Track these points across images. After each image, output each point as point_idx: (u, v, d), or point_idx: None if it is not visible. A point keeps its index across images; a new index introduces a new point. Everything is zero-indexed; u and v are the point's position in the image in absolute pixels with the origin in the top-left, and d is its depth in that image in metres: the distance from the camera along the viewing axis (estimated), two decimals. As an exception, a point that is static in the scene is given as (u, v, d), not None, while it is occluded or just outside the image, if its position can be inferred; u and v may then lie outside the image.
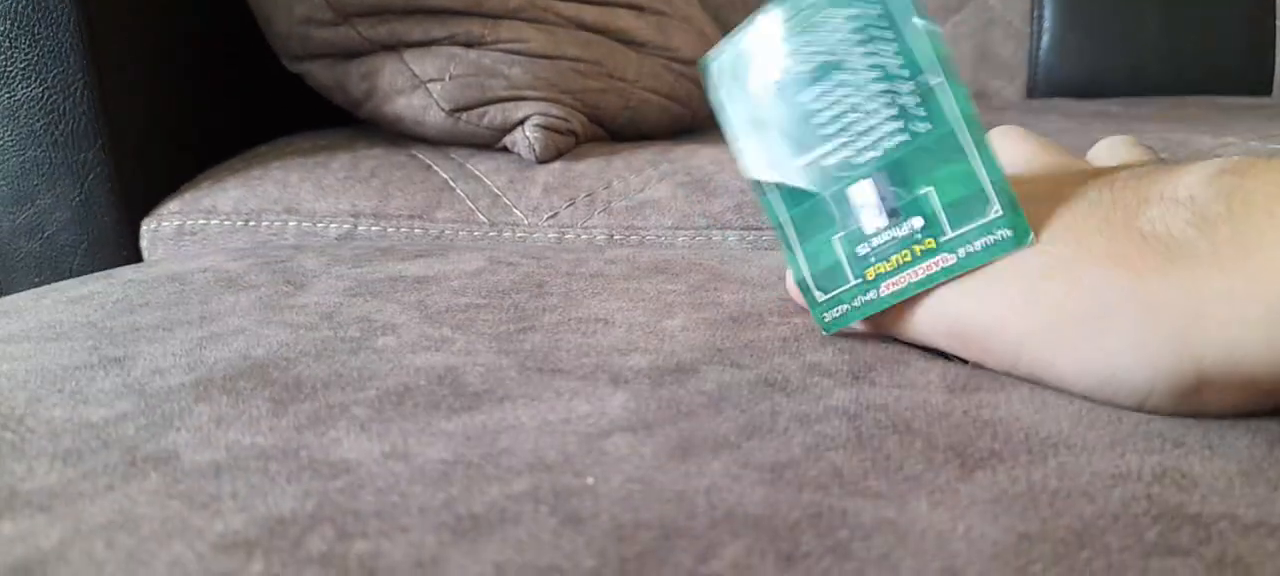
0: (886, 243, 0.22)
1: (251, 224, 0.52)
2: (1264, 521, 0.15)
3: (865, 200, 0.22)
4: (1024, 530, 0.15)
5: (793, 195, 0.23)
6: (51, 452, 0.18)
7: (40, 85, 0.51)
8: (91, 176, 0.53)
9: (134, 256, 0.55)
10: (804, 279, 0.23)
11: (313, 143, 0.60)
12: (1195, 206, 0.19)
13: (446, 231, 0.50)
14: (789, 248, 0.24)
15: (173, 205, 0.54)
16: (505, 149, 0.58)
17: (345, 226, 0.51)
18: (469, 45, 0.57)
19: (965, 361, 0.22)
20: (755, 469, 0.17)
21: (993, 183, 0.21)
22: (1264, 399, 0.19)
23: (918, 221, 0.21)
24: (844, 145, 0.22)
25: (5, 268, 0.55)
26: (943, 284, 0.21)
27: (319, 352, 0.24)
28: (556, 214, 0.50)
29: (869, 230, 0.22)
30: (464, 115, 0.56)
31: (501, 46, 0.57)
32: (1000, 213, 0.21)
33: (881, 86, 0.21)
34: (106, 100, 0.52)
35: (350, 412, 0.20)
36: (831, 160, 0.22)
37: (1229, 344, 0.18)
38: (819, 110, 0.22)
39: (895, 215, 0.22)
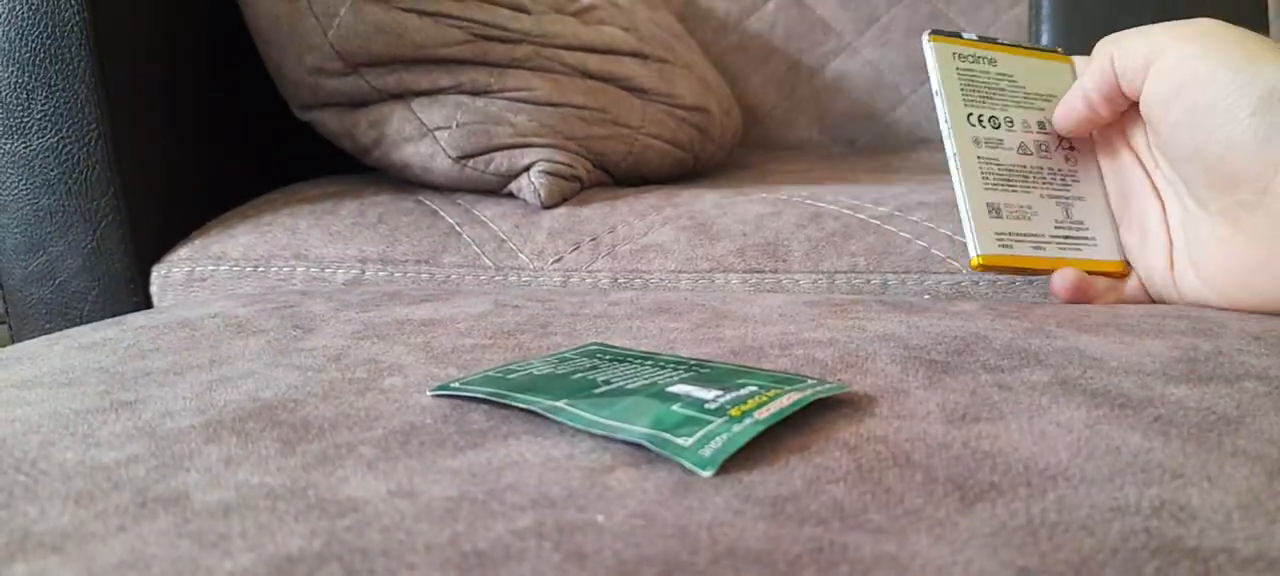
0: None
1: (260, 270, 0.53)
2: (1262, 554, 0.15)
3: None
4: (1024, 564, 0.15)
5: None
6: (64, 494, 0.19)
7: (56, 135, 0.52)
8: (104, 224, 0.54)
9: (145, 302, 0.55)
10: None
11: (322, 189, 0.61)
12: None
13: (453, 276, 0.51)
14: None
15: (183, 252, 0.55)
16: (511, 194, 0.59)
17: (353, 272, 0.52)
18: (476, 94, 0.58)
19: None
20: (756, 503, 0.17)
21: None
22: None
23: None
24: None
25: (18, 314, 0.56)
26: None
27: (326, 394, 0.24)
28: (561, 258, 0.50)
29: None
30: (470, 161, 0.57)
31: (508, 95, 0.58)
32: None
33: None
34: (120, 150, 0.53)
35: (357, 452, 0.20)
36: None
37: None
38: None
39: None
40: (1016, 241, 0.34)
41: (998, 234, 0.34)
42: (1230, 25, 0.31)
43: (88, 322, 0.54)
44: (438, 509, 0.17)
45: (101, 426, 0.22)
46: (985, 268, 0.34)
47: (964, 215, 0.34)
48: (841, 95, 1.00)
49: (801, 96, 1.00)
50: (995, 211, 0.34)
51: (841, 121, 0.99)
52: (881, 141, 0.98)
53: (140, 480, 0.19)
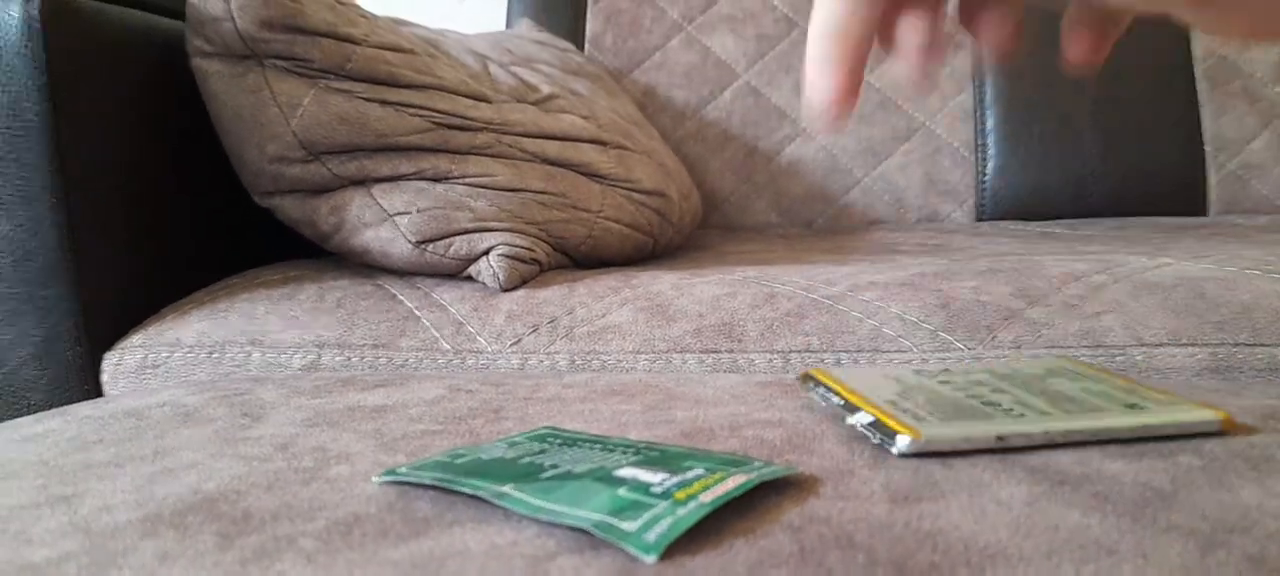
0: None
1: (215, 355, 0.52)
2: (1191, 625, 0.16)
3: None
4: (960, 641, 0.15)
5: None
6: (-12, 594, 0.18)
7: (10, 223, 0.51)
8: (55, 313, 0.53)
9: (95, 390, 0.54)
10: None
11: (281, 274, 0.61)
12: None
13: (410, 360, 0.51)
14: None
15: (136, 338, 0.54)
16: (470, 278, 0.59)
17: (309, 357, 0.52)
18: (436, 180, 0.58)
19: None
20: (699, 588, 0.17)
21: None
22: None
23: None
24: None
25: (-41, 407, 0.54)
26: None
27: (270, 484, 0.24)
28: (520, 340, 0.50)
29: None
30: (430, 246, 0.58)
31: (468, 181, 0.59)
32: None
33: None
34: (75, 238, 0.53)
35: (297, 544, 0.20)
36: None
37: None
38: None
39: None
40: None
41: None
42: None
43: (35, 413, 0.53)
44: (376, 601, 0.17)
45: (35, 523, 0.22)
46: None
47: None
48: (797, 179, 1.02)
49: (759, 181, 1.02)
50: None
51: (797, 204, 1.01)
52: (836, 223, 1.01)
53: (70, 578, 0.18)
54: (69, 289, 0.53)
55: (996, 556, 0.18)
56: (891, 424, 0.24)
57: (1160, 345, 0.44)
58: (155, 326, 0.54)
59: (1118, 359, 0.44)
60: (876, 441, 0.25)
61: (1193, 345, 0.43)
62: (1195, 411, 0.26)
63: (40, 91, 0.51)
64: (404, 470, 0.23)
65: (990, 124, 0.98)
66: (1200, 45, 0.99)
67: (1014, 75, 1.00)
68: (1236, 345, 0.43)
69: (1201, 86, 0.99)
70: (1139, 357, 0.44)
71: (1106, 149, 0.98)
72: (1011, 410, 0.26)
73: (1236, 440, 0.26)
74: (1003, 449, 0.25)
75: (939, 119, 1.01)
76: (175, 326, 0.54)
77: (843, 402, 0.27)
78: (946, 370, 0.31)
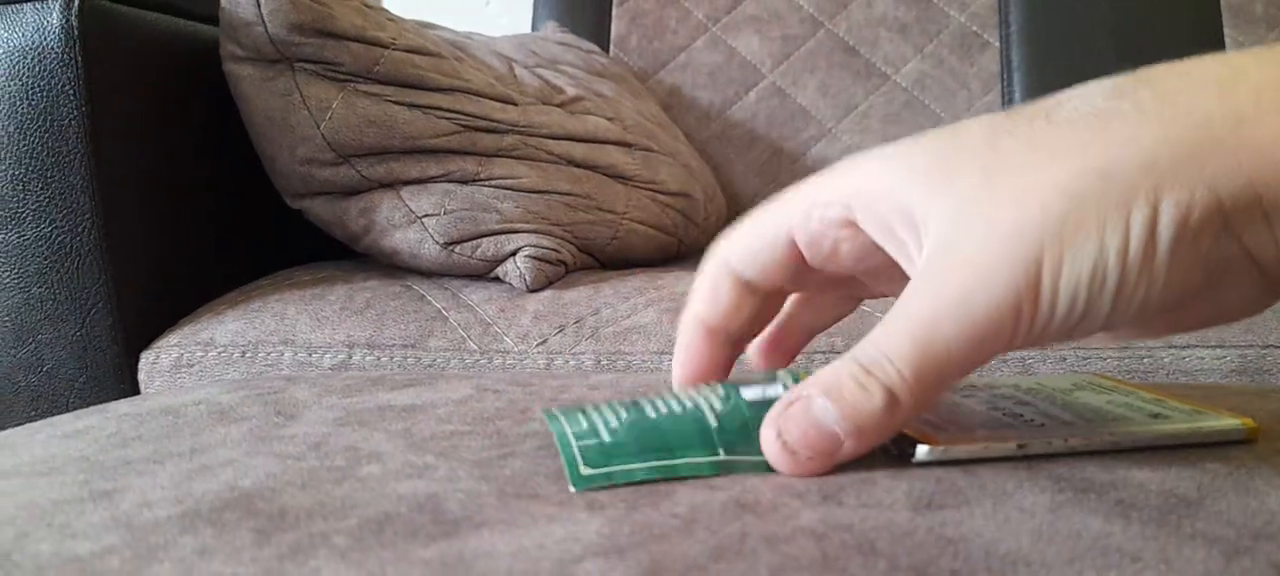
0: None
1: (248, 355, 0.53)
2: (1214, 634, 0.16)
3: None
4: (981, 647, 0.15)
5: None
6: (37, 587, 0.19)
7: (49, 225, 0.53)
8: (93, 312, 0.54)
9: (132, 389, 0.55)
10: None
11: (312, 275, 0.62)
12: (1106, 86, 0.21)
13: (438, 359, 0.51)
14: None
15: (171, 338, 0.55)
16: (497, 279, 0.60)
17: (340, 356, 0.52)
18: (463, 182, 0.59)
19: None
20: (722, 591, 0.17)
21: None
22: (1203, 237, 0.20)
23: None
24: None
25: (4, 402, 0.56)
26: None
27: (305, 482, 0.24)
28: (546, 341, 0.51)
29: None
30: (458, 248, 0.58)
31: (495, 183, 0.59)
32: None
33: None
34: (112, 239, 0.54)
35: (331, 542, 0.20)
36: None
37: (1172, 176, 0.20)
38: None
39: None
40: None
41: None
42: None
43: (74, 410, 0.54)
44: (407, 599, 0.17)
45: (78, 517, 0.22)
46: None
47: None
48: (823, 179, 1.02)
49: (784, 182, 1.02)
50: None
51: (824, 204, 1.01)
52: (864, 224, 1.00)
53: (114, 572, 0.19)
54: (106, 290, 0.54)
55: (1018, 563, 0.18)
56: (911, 433, 0.25)
57: (1189, 347, 0.43)
58: (190, 326, 0.56)
59: (1146, 360, 0.43)
60: (896, 452, 0.25)
61: (1222, 347, 0.43)
62: (1221, 420, 0.26)
63: (78, 96, 0.52)
64: (603, 473, 0.23)
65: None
66: (1231, 43, 0.97)
67: (1043, 73, 0.99)
68: (1265, 347, 0.43)
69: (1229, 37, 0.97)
70: (1167, 359, 0.43)
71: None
72: (1034, 421, 0.26)
73: (1264, 446, 0.26)
74: (1025, 457, 0.25)
75: (966, 118, 1.01)
76: (209, 326, 0.55)
77: None
78: (970, 383, 0.31)
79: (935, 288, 0.22)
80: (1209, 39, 0.97)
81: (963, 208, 0.22)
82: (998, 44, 1.00)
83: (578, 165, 0.64)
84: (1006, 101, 0.99)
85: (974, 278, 0.21)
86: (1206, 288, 0.21)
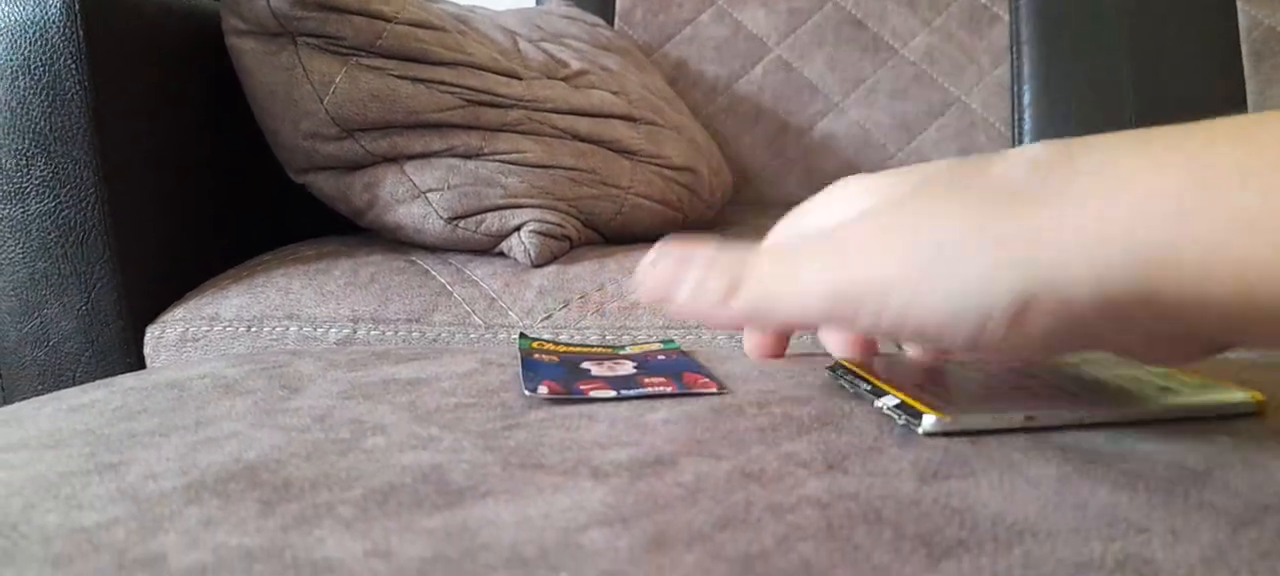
0: None
1: (253, 330, 0.53)
2: (1222, 604, 0.16)
3: None
4: (986, 616, 0.15)
5: None
6: (43, 558, 0.19)
7: (53, 200, 0.53)
8: (98, 287, 0.54)
9: (138, 363, 0.56)
10: None
11: (316, 250, 0.62)
12: (1035, 158, 0.21)
13: (443, 334, 0.51)
14: None
15: (177, 312, 0.55)
16: (502, 254, 0.59)
17: (345, 331, 0.52)
18: (467, 157, 0.59)
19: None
20: (727, 561, 0.17)
21: None
22: (1076, 327, 0.20)
23: None
24: None
25: (10, 376, 0.56)
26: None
27: (309, 454, 0.24)
28: (551, 315, 0.51)
29: None
30: (462, 222, 0.58)
31: (499, 157, 0.59)
32: None
33: None
34: (117, 214, 0.54)
35: (336, 512, 0.20)
36: None
37: (1051, 265, 0.20)
38: None
39: None
40: None
41: None
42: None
43: (80, 384, 0.55)
44: (411, 569, 0.17)
45: (84, 489, 0.22)
46: None
47: None
48: (830, 154, 1.01)
49: (790, 156, 1.01)
50: None
51: (829, 180, 1.00)
52: (870, 199, 1.00)
53: (120, 543, 0.19)
54: (111, 264, 0.54)
55: (1024, 532, 0.18)
56: (918, 405, 0.24)
57: (1199, 323, 0.43)
58: (195, 300, 0.56)
59: (1154, 337, 0.43)
60: (902, 422, 0.25)
61: (1232, 323, 0.43)
62: (1229, 393, 0.26)
63: (80, 70, 0.52)
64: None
65: (1027, 99, 0.97)
66: (1246, 17, 0.96)
67: (1053, 47, 0.98)
68: (1278, 323, 0.42)
69: (1247, 62, 0.96)
70: (1176, 336, 0.43)
71: (1148, 123, 0.96)
72: (1042, 393, 0.26)
73: (1272, 420, 0.25)
74: (1033, 429, 0.25)
75: (975, 93, 1.00)
76: (214, 301, 0.55)
77: (870, 387, 0.27)
78: (979, 360, 0.30)
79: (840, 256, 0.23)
80: (1220, 10, 0.95)
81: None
82: (1007, 17, 0.99)
83: (582, 140, 0.64)
84: (1015, 75, 0.98)
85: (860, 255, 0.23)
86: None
